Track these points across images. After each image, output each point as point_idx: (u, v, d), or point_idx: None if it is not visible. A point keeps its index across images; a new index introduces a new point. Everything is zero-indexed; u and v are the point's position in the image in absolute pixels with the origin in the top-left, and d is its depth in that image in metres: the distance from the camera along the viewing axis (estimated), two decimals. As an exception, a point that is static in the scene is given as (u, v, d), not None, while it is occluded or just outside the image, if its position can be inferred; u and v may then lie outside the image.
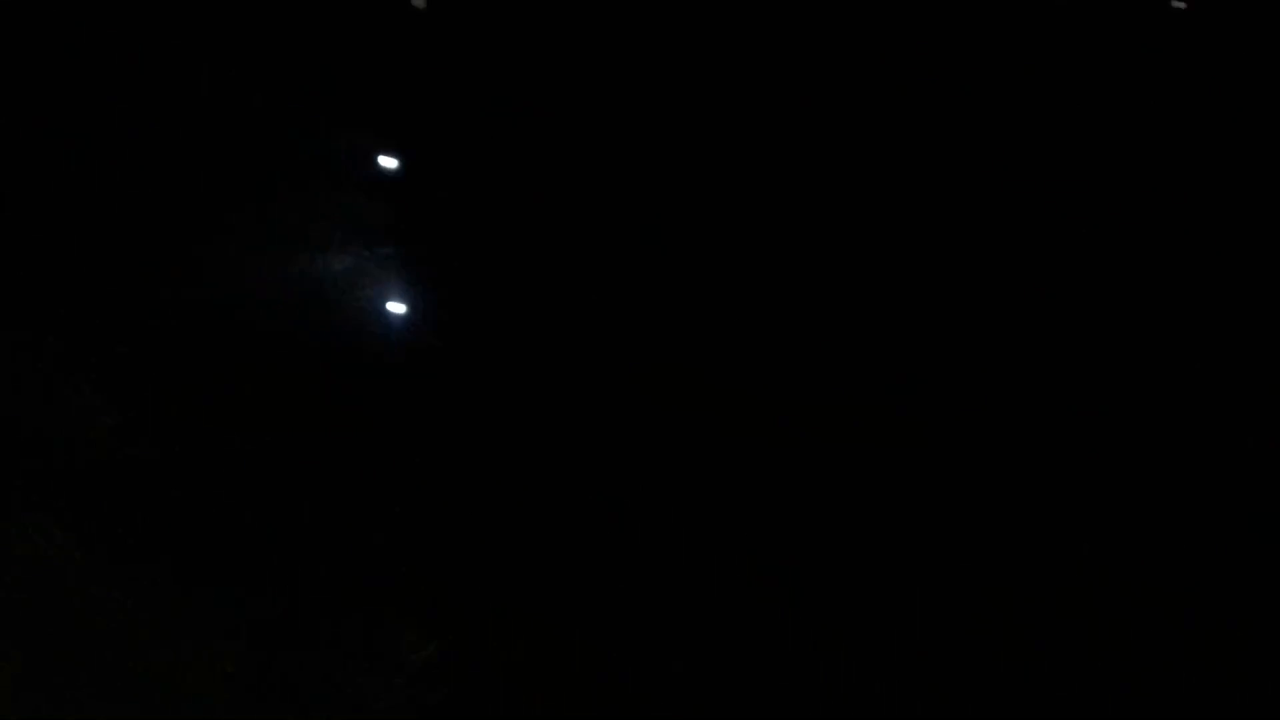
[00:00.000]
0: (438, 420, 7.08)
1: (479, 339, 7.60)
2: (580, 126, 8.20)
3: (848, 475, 6.98)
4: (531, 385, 7.35)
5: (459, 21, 8.35)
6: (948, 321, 7.84)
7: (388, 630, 5.83)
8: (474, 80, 8.29)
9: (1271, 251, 7.82)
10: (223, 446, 6.55)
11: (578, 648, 5.92)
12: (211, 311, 7.05)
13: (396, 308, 7.64)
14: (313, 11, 7.99)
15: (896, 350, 7.69)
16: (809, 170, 8.11)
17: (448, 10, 8.35)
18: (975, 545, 6.83)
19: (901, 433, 7.24)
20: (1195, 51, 8.13)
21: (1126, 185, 8.02)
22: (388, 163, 8.05)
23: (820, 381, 7.41)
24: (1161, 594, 6.70)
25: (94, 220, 6.94)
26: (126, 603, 5.84)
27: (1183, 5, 7.88)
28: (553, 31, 8.38)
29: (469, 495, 6.63)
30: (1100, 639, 6.53)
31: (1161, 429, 7.33)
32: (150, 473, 6.35)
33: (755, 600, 6.34)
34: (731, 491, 6.73)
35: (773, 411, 7.07)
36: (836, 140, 8.37)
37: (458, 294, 7.77)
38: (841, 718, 6.01)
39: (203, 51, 7.63)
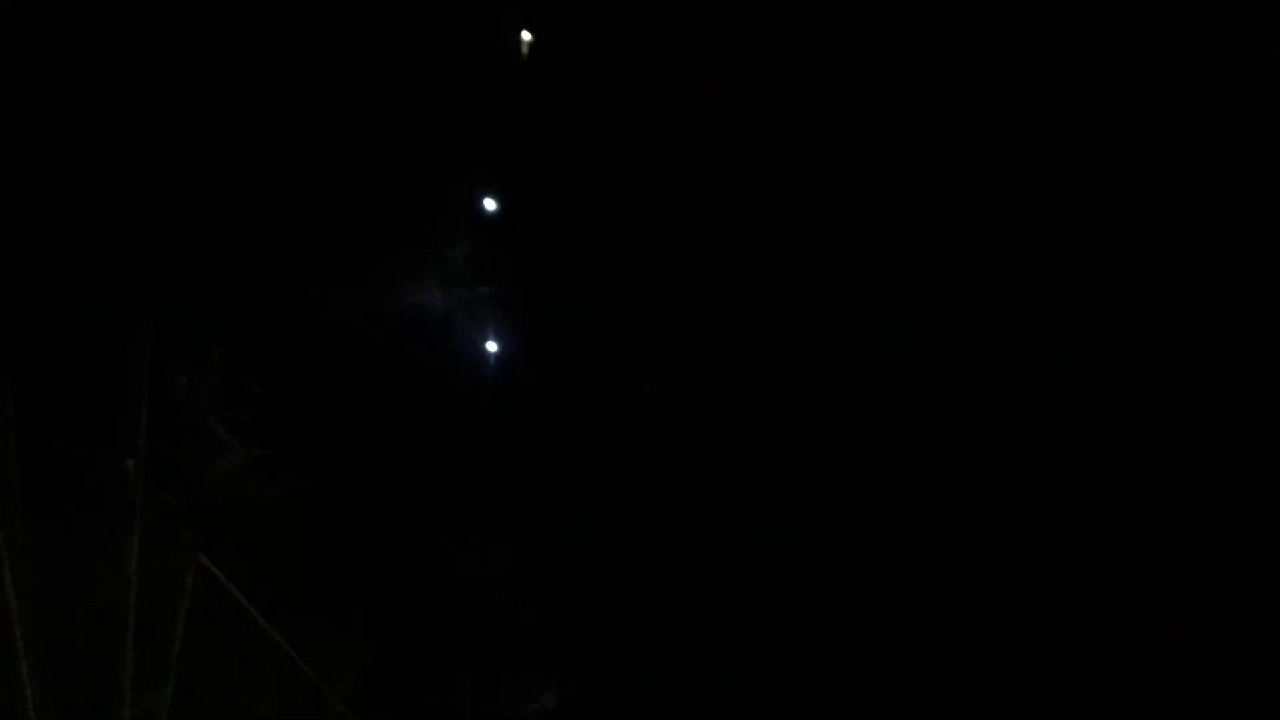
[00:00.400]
0: (546, 461, 7.43)
1: (574, 378, 7.93)
2: (678, 175, 8.43)
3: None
4: (628, 427, 7.68)
5: (561, 70, 8.62)
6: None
7: (507, 678, 6.23)
8: (574, 129, 8.55)
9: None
10: (339, 484, 6.96)
11: (697, 700, 6.32)
12: (324, 353, 7.40)
13: (493, 346, 8.02)
14: (420, 63, 8.27)
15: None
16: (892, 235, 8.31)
17: (550, 60, 8.62)
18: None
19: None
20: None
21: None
22: (489, 206, 8.38)
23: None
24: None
25: (215, 270, 7.28)
26: (258, 627, 6.26)
27: None
28: (654, 81, 8.60)
29: (582, 542, 7.00)
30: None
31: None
32: (271, 508, 6.76)
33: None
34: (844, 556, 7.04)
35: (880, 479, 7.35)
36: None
37: (554, 335, 8.10)
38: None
39: (315, 103, 7.92)
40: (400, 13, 8.24)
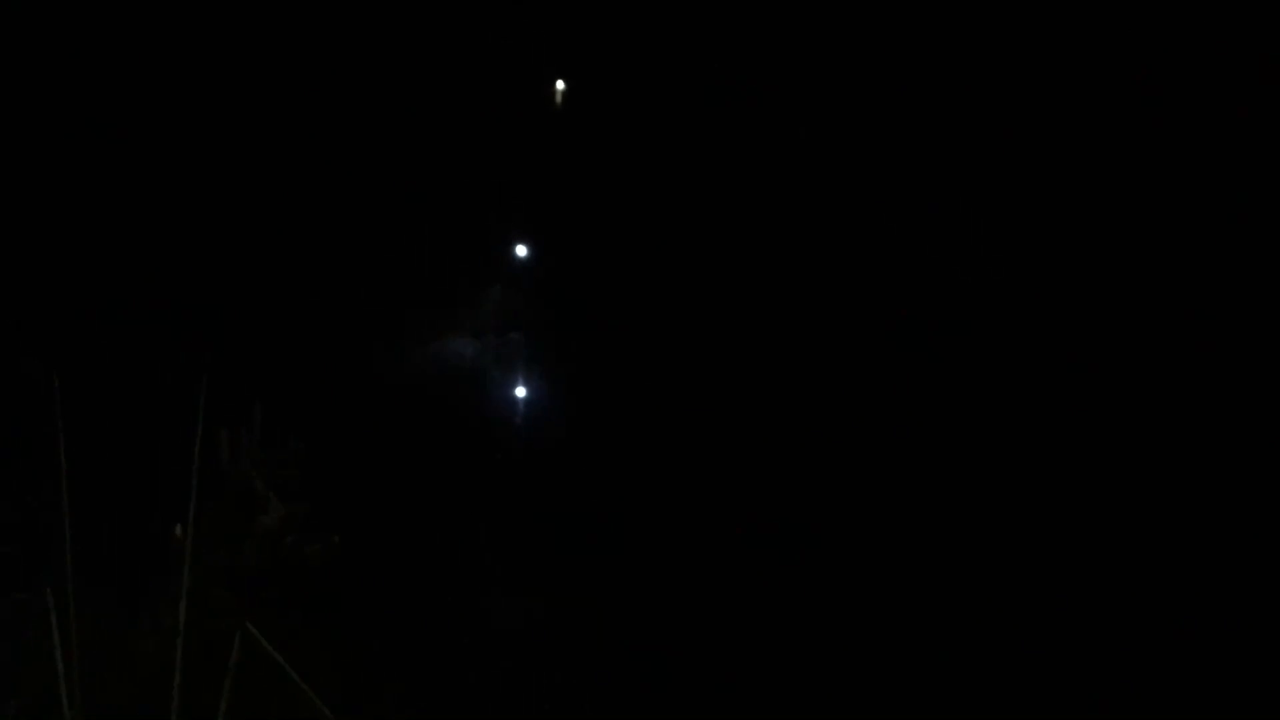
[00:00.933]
0: (569, 510, 7.53)
1: (604, 427, 8.01)
2: (714, 223, 8.49)
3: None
4: (656, 475, 7.76)
5: (593, 119, 8.68)
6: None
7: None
8: (606, 175, 8.61)
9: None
10: (375, 539, 7.03)
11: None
12: (359, 406, 7.47)
13: (522, 392, 8.10)
14: (448, 108, 8.32)
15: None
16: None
17: (582, 108, 8.69)
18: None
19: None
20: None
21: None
22: (520, 252, 8.45)
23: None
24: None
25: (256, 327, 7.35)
26: (299, 690, 6.31)
27: None
28: (684, 129, 8.66)
29: (620, 594, 7.09)
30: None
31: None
32: (307, 566, 6.81)
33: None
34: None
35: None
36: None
37: (585, 382, 8.17)
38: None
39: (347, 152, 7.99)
40: (432, 65, 8.30)
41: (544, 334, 8.29)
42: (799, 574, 7.50)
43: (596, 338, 8.40)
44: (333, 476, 7.17)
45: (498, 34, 8.44)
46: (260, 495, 6.88)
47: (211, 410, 6.68)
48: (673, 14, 8.71)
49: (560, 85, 8.64)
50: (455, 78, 8.33)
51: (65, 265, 6.74)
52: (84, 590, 6.21)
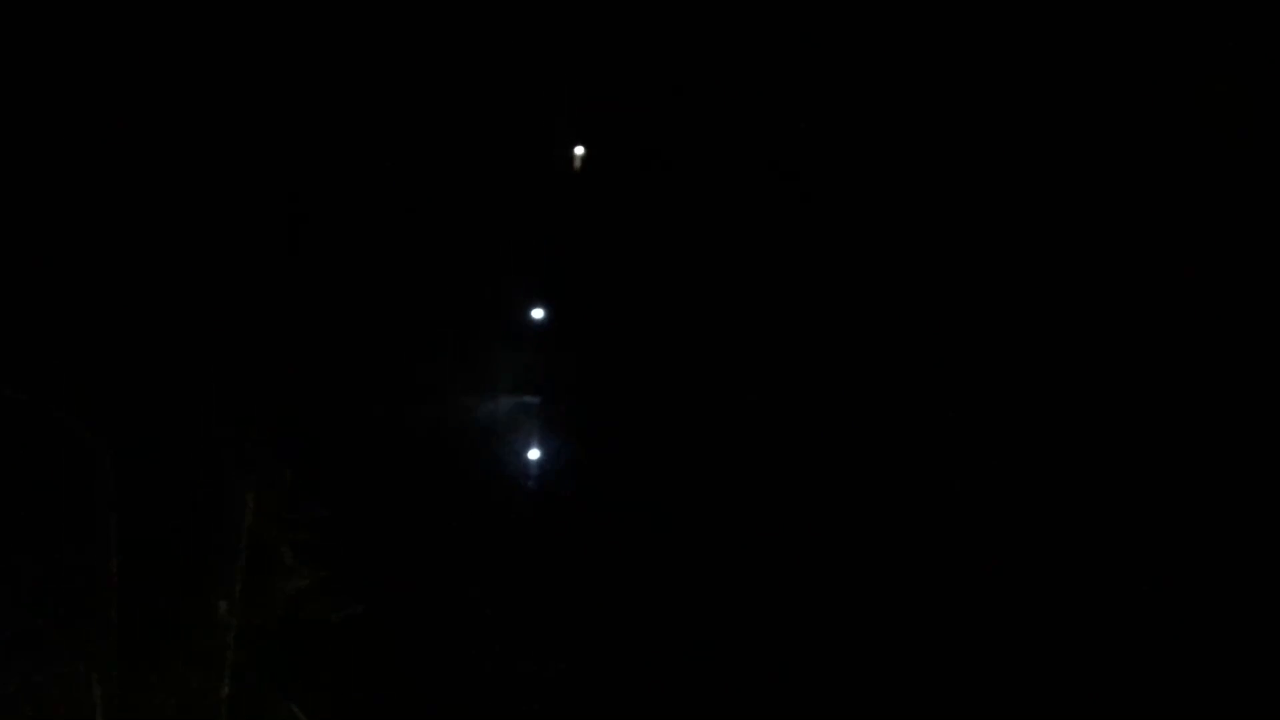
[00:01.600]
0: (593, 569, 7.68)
1: (618, 487, 8.13)
2: (725, 287, 8.59)
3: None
4: (670, 532, 7.91)
5: (609, 185, 8.79)
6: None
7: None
8: (623, 239, 8.70)
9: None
10: (396, 605, 7.18)
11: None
12: (375, 470, 7.59)
13: (535, 455, 8.25)
14: (468, 173, 8.42)
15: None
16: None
17: (599, 175, 8.80)
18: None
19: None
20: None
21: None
22: (536, 316, 8.56)
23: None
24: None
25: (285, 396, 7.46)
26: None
27: None
28: (701, 194, 8.77)
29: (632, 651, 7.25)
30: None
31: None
32: (331, 632, 6.97)
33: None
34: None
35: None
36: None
37: (599, 444, 8.29)
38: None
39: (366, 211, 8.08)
40: (453, 130, 8.40)
41: (559, 396, 8.42)
42: (812, 623, 7.67)
43: (612, 400, 8.51)
44: (356, 542, 7.31)
45: (520, 99, 8.55)
46: (286, 561, 7.02)
47: (248, 486, 6.84)
48: (690, 81, 8.81)
49: (580, 150, 8.77)
50: (476, 142, 8.43)
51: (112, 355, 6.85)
52: (126, 666, 6.36)
